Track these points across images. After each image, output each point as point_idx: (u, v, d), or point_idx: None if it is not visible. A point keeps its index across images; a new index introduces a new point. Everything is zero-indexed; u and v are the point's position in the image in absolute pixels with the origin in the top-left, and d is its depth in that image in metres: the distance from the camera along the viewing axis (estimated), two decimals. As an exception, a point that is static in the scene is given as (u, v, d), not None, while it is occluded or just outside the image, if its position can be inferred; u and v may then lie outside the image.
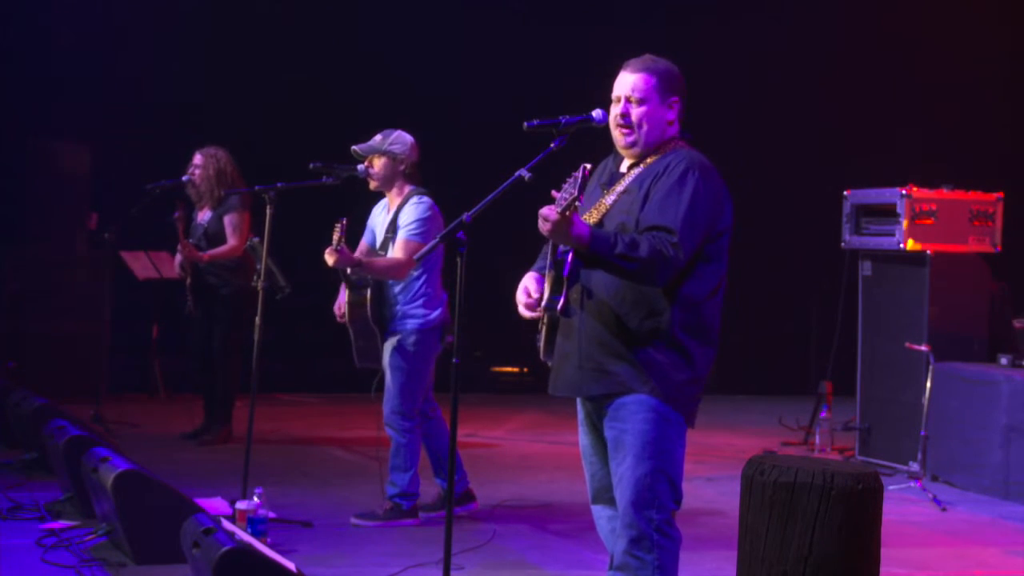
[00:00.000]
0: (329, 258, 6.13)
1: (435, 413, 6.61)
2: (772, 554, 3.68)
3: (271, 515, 5.94)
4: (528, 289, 4.26)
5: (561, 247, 4.12)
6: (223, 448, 8.38)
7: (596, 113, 4.30)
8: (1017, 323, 8.34)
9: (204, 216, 8.62)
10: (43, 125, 10.87)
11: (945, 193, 8.41)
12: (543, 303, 4.18)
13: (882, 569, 3.82)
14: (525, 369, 12.56)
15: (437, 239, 4.37)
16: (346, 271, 6.37)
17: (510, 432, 9.87)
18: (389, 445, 6.48)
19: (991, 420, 7.73)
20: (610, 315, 4.16)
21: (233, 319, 8.48)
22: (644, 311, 4.14)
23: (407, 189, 6.51)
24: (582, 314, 4.21)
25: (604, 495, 4.39)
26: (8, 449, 7.73)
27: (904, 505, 7.28)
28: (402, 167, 6.49)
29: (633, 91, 4.25)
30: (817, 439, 8.68)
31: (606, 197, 4.25)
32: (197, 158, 8.59)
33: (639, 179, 4.21)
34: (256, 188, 6.82)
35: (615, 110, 4.29)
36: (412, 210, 6.42)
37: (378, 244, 6.60)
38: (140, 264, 10.24)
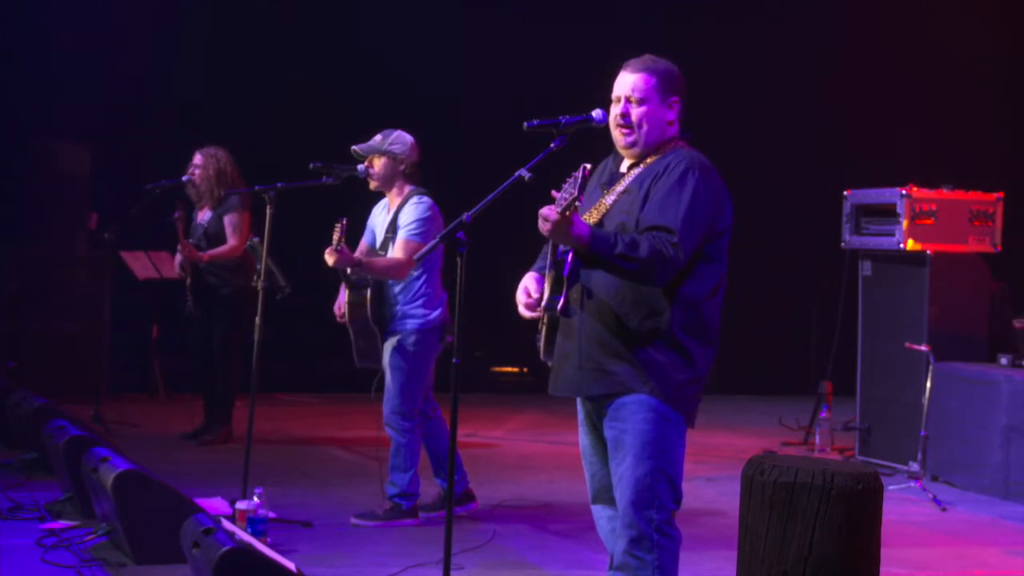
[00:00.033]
0: (329, 258, 6.13)
1: (435, 413, 6.61)
2: (772, 554, 3.68)
3: (271, 515, 5.94)
4: (528, 289, 4.27)
5: (561, 247, 4.12)
6: (223, 448, 8.38)
7: (596, 113, 4.30)
8: (1017, 323, 8.34)
9: (204, 216, 8.62)
10: (43, 125, 10.87)
11: (945, 193, 8.41)
12: (543, 303, 4.18)
13: (882, 569, 3.82)
14: (525, 369, 12.56)
15: (437, 239, 4.37)
16: (346, 271, 6.37)
17: (510, 432, 9.87)
18: (389, 445, 6.48)
19: (991, 420, 7.73)
20: (610, 315, 4.17)
21: (233, 319, 8.48)
22: (644, 311, 4.14)
23: (407, 189, 6.51)
24: (582, 314, 4.21)
25: (604, 495, 4.39)
26: (8, 449, 7.73)
27: (904, 505, 7.28)
28: (402, 167, 6.49)
29: (633, 91, 4.25)
30: (817, 439, 8.68)
31: (606, 197, 4.25)
32: (197, 158, 8.59)
33: (639, 179, 4.21)
34: (256, 188, 6.82)
35: (615, 110, 4.29)
36: (412, 210, 6.42)
37: (378, 244, 6.60)
38: (140, 264, 10.25)
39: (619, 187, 4.25)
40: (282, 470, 7.76)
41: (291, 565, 4.42)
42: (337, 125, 9.44)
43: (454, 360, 4.23)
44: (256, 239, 8.24)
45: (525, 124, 4.31)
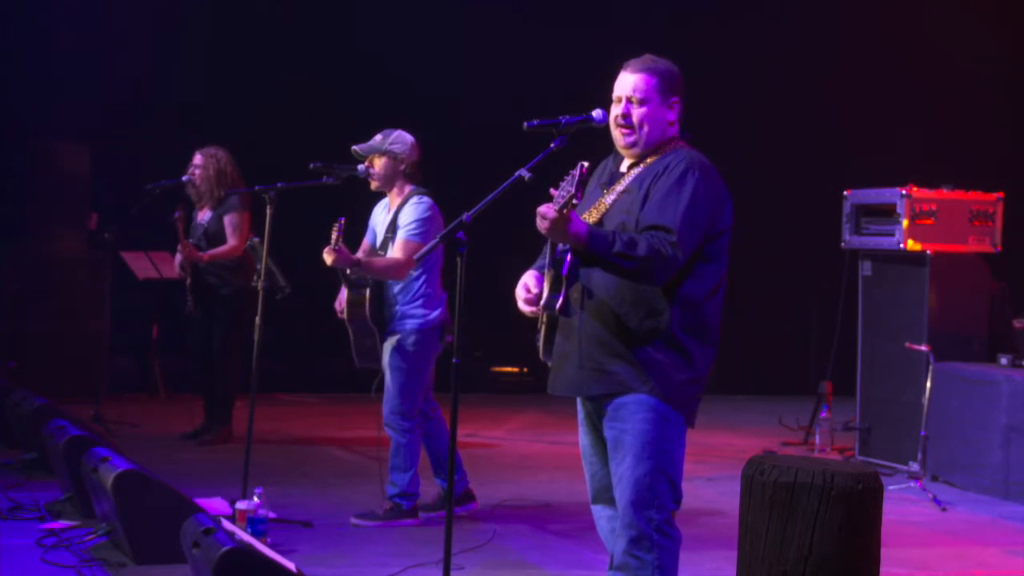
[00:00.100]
0: (327, 257, 6.13)
1: (435, 413, 6.61)
2: (772, 554, 3.68)
3: (271, 515, 5.94)
4: (527, 285, 4.26)
5: (560, 246, 4.12)
6: (223, 448, 8.38)
7: (596, 113, 4.30)
8: (1017, 323, 8.34)
9: (204, 216, 8.62)
10: (43, 125, 10.87)
11: (945, 193, 8.41)
12: (542, 302, 4.18)
13: (882, 569, 3.82)
14: (525, 369, 12.56)
15: (437, 239, 4.37)
16: (345, 271, 6.37)
17: (510, 432, 9.86)
18: (389, 445, 6.48)
19: (991, 420, 7.73)
20: (610, 315, 4.16)
21: (233, 319, 8.48)
22: (644, 311, 4.14)
23: (408, 189, 6.51)
24: (582, 314, 4.21)
25: (604, 495, 4.39)
26: (8, 449, 7.73)
27: (904, 505, 7.28)
28: (402, 167, 6.49)
29: (634, 91, 4.25)
30: (817, 439, 8.68)
31: (606, 197, 4.25)
32: (197, 158, 8.59)
33: (639, 179, 4.21)
34: (256, 188, 6.82)
35: (616, 110, 4.29)
36: (412, 210, 6.42)
37: (378, 243, 6.60)
38: (140, 264, 10.25)
39: (619, 187, 4.25)
40: (282, 470, 7.76)
41: (291, 565, 4.42)
42: (337, 125, 9.43)
43: (454, 360, 4.23)
44: (256, 239, 8.24)
45: (525, 124, 4.31)
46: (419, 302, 6.41)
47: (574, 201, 3.90)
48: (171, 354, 10.69)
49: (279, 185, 6.54)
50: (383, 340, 6.45)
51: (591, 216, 4.22)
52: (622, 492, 4.19)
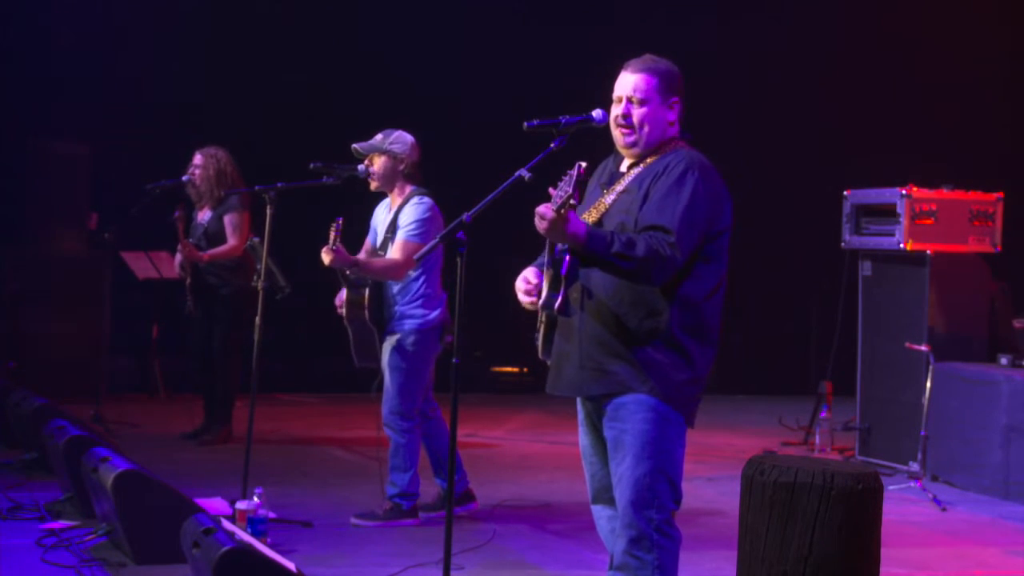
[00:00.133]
0: (325, 257, 6.13)
1: (435, 413, 6.61)
2: (772, 554, 3.68)
3: (271, 515, 5.94)
4: (527, 277, 4.26)
5: (559, 246, 4.13)
6: (223, 448, 8.38)
7: (596, 113, 4.30)
8: (1017, 323, 8.34)
9: (204, 216, 8.62)
10: (43, 125, 10.87)
11: (945, 193, 8.41)
12: (541, 301, 4.18)
13: (882, 569, 3.82)
14: (525, 369, 12.56)
15: (437, 239, 4.37)
16: (344, 271, 6.37)
17: (510, 432, 9.86)
18: (389, 445, 6.48)
19: (991, 420, 7.73)
20: (609, 315, 4.17)
21: (233, 319, 8.48)
22: (643, 311, 4.14)
23: (408, 189, 6.51)
24: (582, 314, 4.21)
25: (604, 495, 4.39)
26: (8, 449, 7.73)
27: (904, 505, 7.28)
28: (402, 167, 6.49)
29: (635, 91, 4.25)
30: (817, 439, 8.68)
31: (606, 196, 4.26)
32: (197, 158, 8.59)
33: (639, 179, 4.21)
34: (256, 188, 6.82)
35: (616, 110, 4.29)
36: (412, 210, 6.42)
37: (378, 243, 6.60)
38: (140, 264, 10.25)
39: (619, 187, 4.25)
40: (282, 470, 7.76)
41: (291, 565, 4.42)
42: (337, 125, 9.42)
43: (454, 360, 4.23)
44: (256, 239, 8.24)
45: (525, 124, 4.31)
46: (418, 302, 6.41)
47: (572, 201, 3.90)
48: (171, 354, 10.69)
49: (279, 185, 6.54)
50: (382, 340, 6.45)
51: (591, 216, 4.22)
52: (622, 492, 4.19)
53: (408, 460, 6.40)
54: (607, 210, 4.22)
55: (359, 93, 11.41)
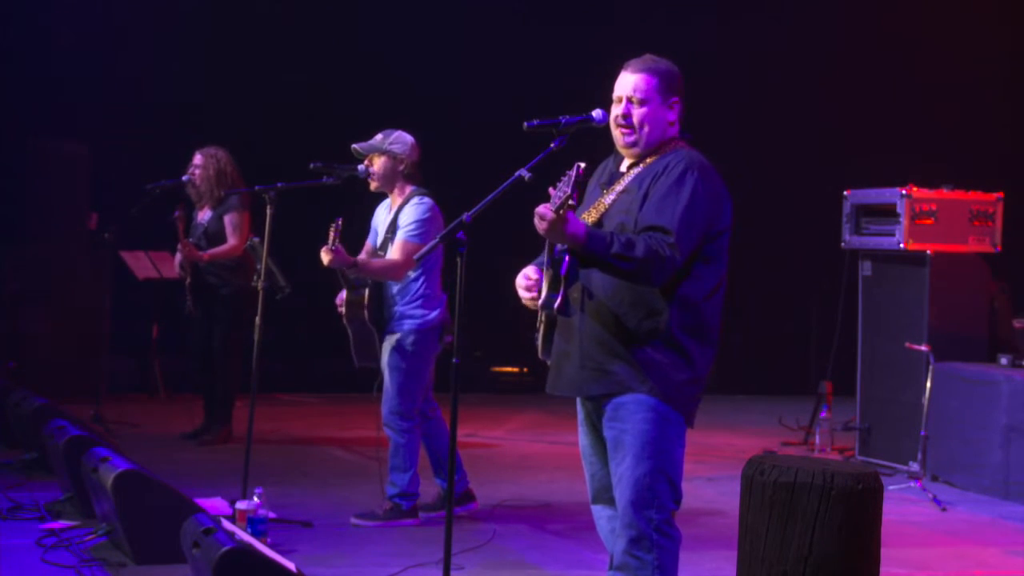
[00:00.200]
0: (325, 256, 6.13)
1: (435, 413, 6.61)
2: (772, 554, 3.68)
3: (271, 515, 5.94)
4: (527, 274, 4.26)
5: (558, 246, 4.13)
6: (223, 448, 8.38)
7: (596, 113, 4.30)
8: (1017, 323, 8.34)
9: (204, 216, 8.62)
10: (43, 125, 10.87)
11: (945, 193, 8.41)
12: (540, 301, 4.18)
13: (882, 569, 3.82)
14: (525, 369, 12.56)
15: (437, 239, 4.37)
16: (344, 271, 6.37)
17: (510, 432, 9.86)
18: (388, 445, 6.48)
19: (991, 420, 7.73)
20: (609, 315, 4.17)
21: (233, 319, 8.48)
22: (643, 311, 4.14)
23: (408, 189, 6.51)
24: (581, 314, 4.21)
25: (604, 495, 4.39)
26: (8, 449, 7.73)
27: (904, 505, 7.28)
28: (402, 167, 6.49)
29: (635, 91, 4.25)
30: (817, 439, 8.68)
31: (605, 196, 4.26)
32: (197, 158, 8.59)
33: (638, 179, 4.22)
34: (256, 188, 6.82)
35: (616, 110, 4.29)
36: (412, 211, 6.42)
37: (378, 244, 6.60)
38: (140, 264, 10.25)
39: (618, 187, 4.25)
40: (282, 470, 7.76)
41: (291, 565, 4.42)
42: (337, 125, 9.42)
43: (454, 360, 4.23)
44: (256, 239, 8.24)
45: (525, 124, 4.31)
46: (418, 303, 6.41)
47: (570, 202, 3.90)
48: (171, 354, 10.69)
49: (279, 185, 6.54)
50: (382, 340, 6.45)
51: (590, 216, 4.22)
52: (622, 492, 4.19)
53: (408, 460, 6.40)
54: (607, 210, 4.22)
55: (359, 93, 11.41)
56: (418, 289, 6.41)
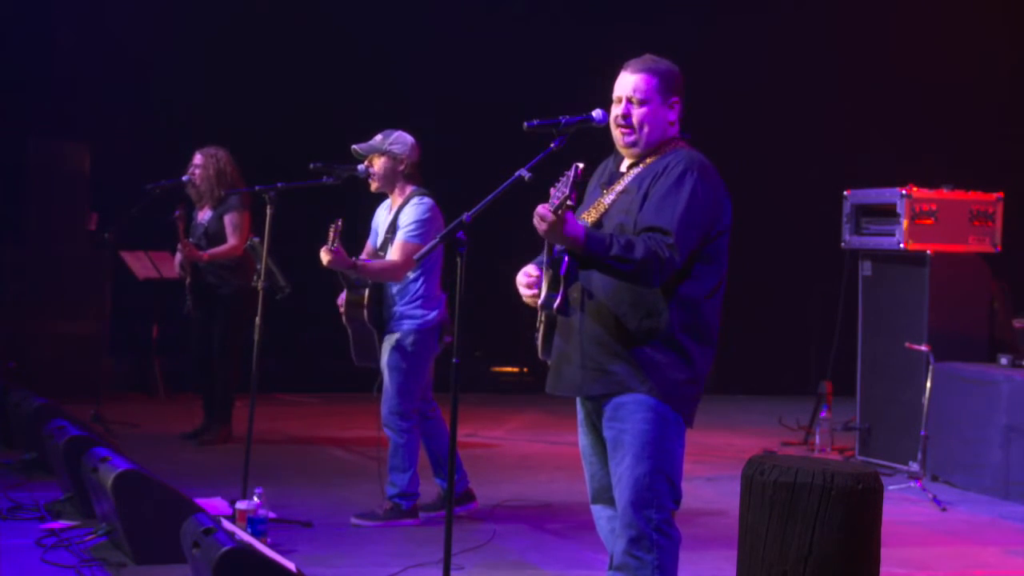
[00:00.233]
0: (324, 256, 6.13)
1: (434, 413, 6.61)
2: (772, 554, 3.68)
3: (271, 515, 5.94)
4: (528, 271, 4.26)
5: (557, 246, 4.12)
6: (223, 448, 8.38)
7: (596, 113, 4.30)
8: (1017, 323, 8.34)
9: (204, 216, 8.62)
10: (43, 125, 10.87)
11: (945, 193, 8.41)
12: (540, 301, 4.18)
13: (882, 569, 3.83)
14: (525, 369, 12.56)
15: (437, 239, 4.36)
16: (343, 272, 6.36)
17: (510, 432, 9.86)
18: (388, 445, 6.48)
19: (991, 420, 7.73)
20: (609, 315, 4.17)
21: (233, 319, 8.47)
22: (643, 311, 4.14)
23: (408, 190, 6.50)
24: (582, 314, 4.21)
25: (604, 495, 4.39)
26: (8, 449, 7.73)
27: (904, 505, 7.28)
28: (401, 167, 6.49)
29: (634, 92, 4.25)
30: (817, 439, 8.68)
31: (605, 196, 4.25)
32: (197, 158, 8.59)
33: (638, 179, 4.21)
34: (256, 188, 6.83)
35: (616, 110, 4.28)
36: (412, 211, 6.41)
37: (378, 244, 6.60)
38: (140, 264, 10.25)
39: (618, 187, 4.25)
40: (282, 470, 7.76)
41: (291, 565, 4.42)
42: (337, 125, 9.43)
43: (454, 360, 4.22)
44: (256, 239, 8.24)
45: (525, 124, 4.31)
46: (417, 303, 6.41)
47: (569, 202, 3.90)
48: (171, 354, 10.69)
49: (279, 185, 6.54)
50: (382, 340, 6.45)
51: (590, 216, 4.22)
52: (621, 492, 4.19)
53: (407, 460, 6.40)
54: (606, 210, 4.22)
55: (359, 93, 11.41)
56: (418, 289, 6.41)
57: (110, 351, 10.47)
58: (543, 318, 4.28)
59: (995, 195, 8.49)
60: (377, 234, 6.65)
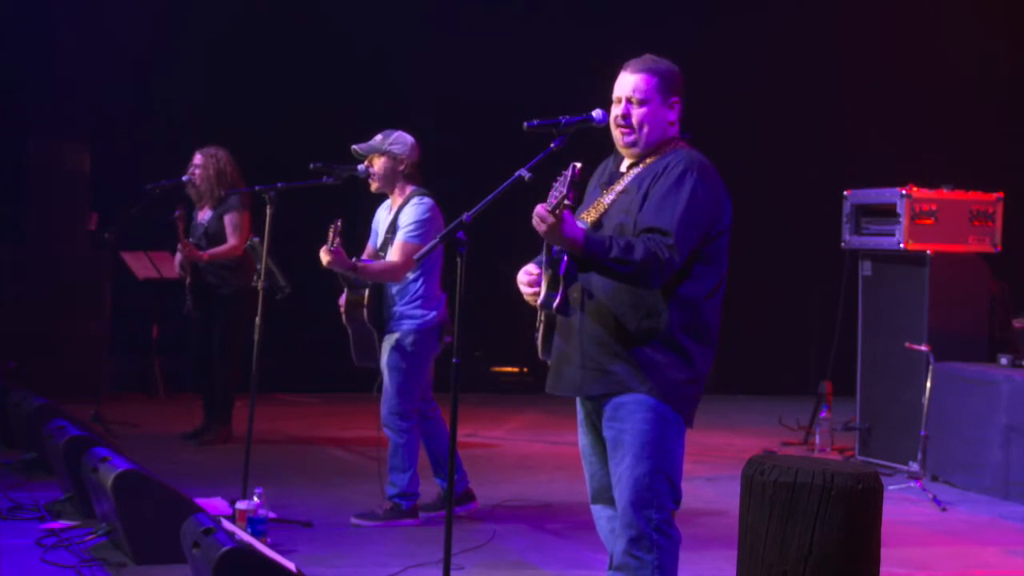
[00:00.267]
0: (324, 257, 6.12)
1: (434, 413, 6.61)
2: (772, 554, 3.68)
3: (271, 515, 5.94)
4: (529, 270, 4.26)
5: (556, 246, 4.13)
6: (223, 448, 8.38)
7: (596, 113, 4.30)
8: (1017, 323, 8.34)
9: (204, 216, 8.62)
10: (43, 125, 10.87)
11: (945, 193, 8.41)
12: (540, 300, 4.18)
13: (882, 569, 3.83)
14: (525, 369, 12.56)
15: (437, 239, 4.36)
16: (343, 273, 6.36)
17: (510, 432, 9.86)
18: (388, 445, 6.48)
19: (991, 420, 7.73)
20: (609, 315, 4.17)
21: (233, 319, 8.47)
22: (642, 311, 4.14)
23: (408, 190, 6.50)
24: (581, 315, 4.21)
25: (604, 495, 4.39)
26: (8, 449, 7.73)
27: (904, 505, 7.28)
28: (401, 167, 6.49)
29: (634, 92, 4.25)
30: (817, 439, 8.68)
31: (605, 196, 4.25)
32: (197, 158, 8.59)
33: (638, 179, 4.21)
34: (256, 188, 6.83)
35: (616, 111, 4.28)
36: (411, 211, 6.41)
37: (378, 244, 6.60)
38: (140, 264, 10.25)
39: (618, 186, 4.25)
40: (282, 470, 7.76)
41: (291, 565, 4.42)
42: (338, 124, 9.43)
43: (454, 360, 4.22)
44: (256, 239, 8.24)
45: (525, 124, 4.31)
46: (417, 303, 6.41)
47: (566, 202, 3.90)
48: (171, 354, 10.69)
49: (279, 185, 6.54)
50: (381, 340, 6.45)
51: (589, 215, 4.22)
52: (621, 492, 4.19)
53: (407, 460, 6.40)
54: (606, 210, 4.22)
55: (359, 93, 11.41)
56: (417, 289, 6.41)
57: (110, 351, 10.47)
58: (543, 318, 4.28)
59: (995, 195, 8.48)
60: (377, 235, 6.65)
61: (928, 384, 7.89)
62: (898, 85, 12.12)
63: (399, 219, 6.44)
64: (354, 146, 6.50)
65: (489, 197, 4.20)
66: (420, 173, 6.57)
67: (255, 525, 5.64)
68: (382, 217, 6.65)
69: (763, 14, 12.09)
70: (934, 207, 8.33)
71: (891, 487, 7.40)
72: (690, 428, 4.26)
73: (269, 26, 11.62)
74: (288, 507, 6.58)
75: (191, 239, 8.50)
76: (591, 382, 4.22)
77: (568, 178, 3.89)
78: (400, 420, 6.39)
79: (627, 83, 4.27)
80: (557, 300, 4.10)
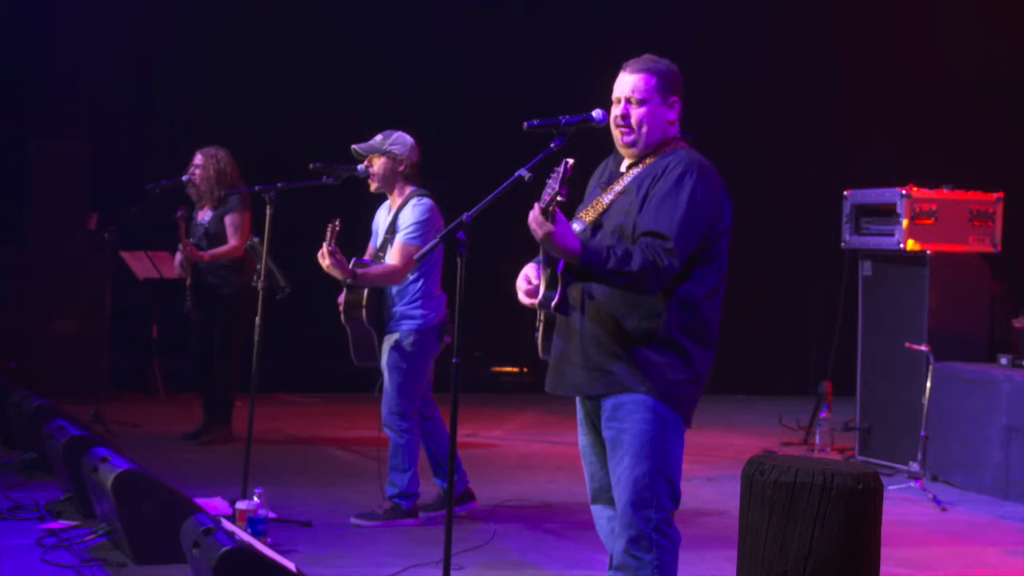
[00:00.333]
0: (322, 260, 6.12)
1: (434, 413, 6.61)
2: (772, 554, 3.68)
3: (271, 515, 5.94)
4: (528, 276, 4.27)
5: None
6: (223, 448, 8.38)
7: (596, 113, 4.30)
8: (1017, 323, 8.34)
9: (204, 216, 8.62)
10: (43, 125, 10.87)
11: (945, 193, 8.41)
12: (539, 299, 4.18)
13: (882, 569, 3.82)
14: (525, 369, 12.56)
15: (437, 239, 4.37)
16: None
17: (510, 432, 9.86)
18: (388, 445, 6.48)
19: (991, 420, 7.73)
20: (608, 316, 4.17)
21: (233, 319, 8.48)
22: (642, 312, 4.14)
23: (408, 190, 6.50)
24: (581, 315, 4.22)
25: (603, 495, 4.39)
26: (8, 449, 7.73)
27: (904, 505, 7.28)
28: (401, 167, 6.48)
29: (633, 92, 4.25)
30: (817, 439, 8.68)
31: (604, 196, 4.25)
32: (197, 158, 8.59)
33: (638, 180, 4.21)
34: (256, 188, 6.82)
35: (615, 111, 4.28)
36: (411, 212, 6.41)
37: (378, 244, 6.60)
38: (140, 264, 10.25)
39: (617, 187, 4.25)
40: (282, 470, 7.76)
41: (291, 565, 4.42)
42: (337, 125, 9.43)
43: (454, 360, 4.23)
44: (256, 239, 8.24)
45: (525, 124, 4.31)
46: (417, 303, 6.41)
47: (559, 198, 3.91)
48: (171, 354, 10.69)
49: (279, 185, 6.54)
50: (381, 340, 6.45)
51: (588, 215, 4.23)
52: (621, 492, 4.19)
53: (407, 460, 6.40)
54: (605, 210, 4.22)
55: (359, 93, 11.41)
56: (417, 290, 6.41)
57: (110, 351, 10.47)
58: (542, 317, 4.29)
59: (995, 195, 8.48)
60: (377, 235, 6.65)
61: (928, 384, 7.89)
62: (898, 85, 12.12)
63: (398, 220, 6.44)
64: (354, 146, 6.50)
65: (489, 197, 4.20)
66: (420, 173, 6.57)
67: (255, 525, 5.64)
68: (382, 217, 6.65)
69: (763, 14, 12.09)
70: (934, 207, 8.33)
71: (891, 487, 7.40)
72: (689, 428, 4.27)
73: (269, 26, 11.61)
74: (288, 507, 6.58)
75: (191, 239, 8.50)
76: (591, 382, 4.22)
77: (560, 175, 3.90)
78: (400, 420, 6.39)
79: (626, 83, 4.27)
80: (556, 299, 4.10)
